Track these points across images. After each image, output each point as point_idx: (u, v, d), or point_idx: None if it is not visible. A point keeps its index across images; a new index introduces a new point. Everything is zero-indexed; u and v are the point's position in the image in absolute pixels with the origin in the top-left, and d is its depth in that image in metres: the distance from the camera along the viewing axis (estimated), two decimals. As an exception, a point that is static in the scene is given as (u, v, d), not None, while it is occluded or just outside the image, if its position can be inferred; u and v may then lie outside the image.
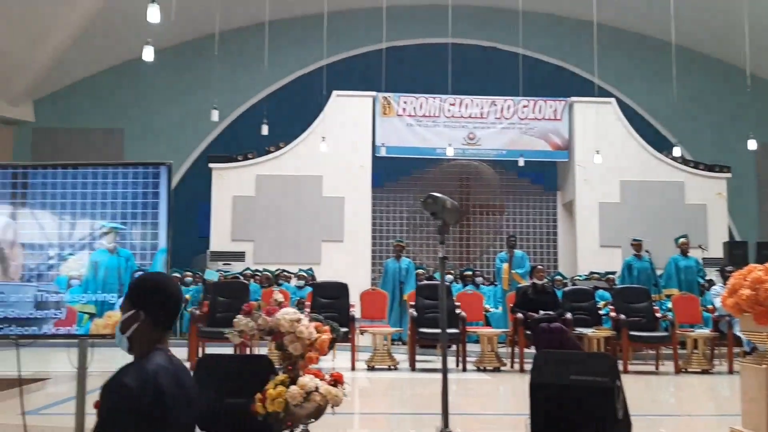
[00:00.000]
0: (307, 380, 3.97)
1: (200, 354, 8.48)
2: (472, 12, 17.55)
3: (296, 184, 15.93)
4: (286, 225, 15.73)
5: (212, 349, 8.88)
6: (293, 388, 3.94)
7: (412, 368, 8.06)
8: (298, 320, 4.28)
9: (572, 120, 16.58)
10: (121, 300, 3.74)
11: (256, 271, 13.68)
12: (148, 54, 10.45)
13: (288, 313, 4.32)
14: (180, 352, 9.62)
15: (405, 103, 16.22)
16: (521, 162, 15.90)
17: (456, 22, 16.01)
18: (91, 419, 3.98)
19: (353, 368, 7.92)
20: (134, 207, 3.76)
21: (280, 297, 4.94)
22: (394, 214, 17.53)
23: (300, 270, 13.08)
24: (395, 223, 17.44)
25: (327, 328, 4.44)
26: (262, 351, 8.18)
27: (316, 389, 3.96)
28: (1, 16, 14.76)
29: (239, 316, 4.69)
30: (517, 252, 10.37)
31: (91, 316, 3.71)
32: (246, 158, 16.43)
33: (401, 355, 8.78)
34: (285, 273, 13.50)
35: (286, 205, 15.82)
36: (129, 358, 2.24)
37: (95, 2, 15.00)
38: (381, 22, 15.50)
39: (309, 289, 11.79)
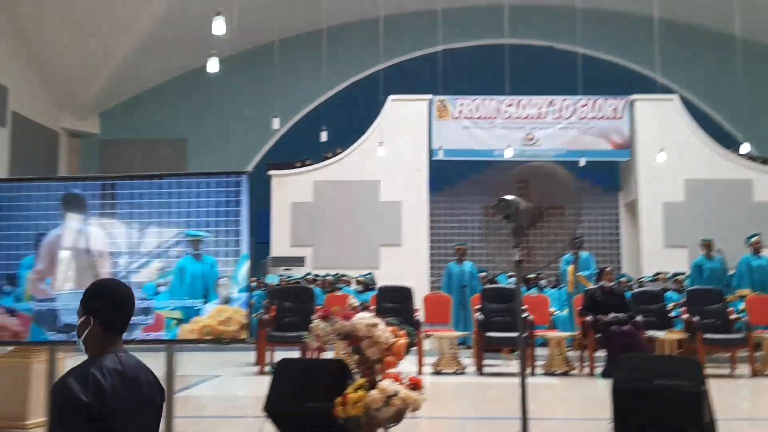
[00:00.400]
0: (386, 384, 3.98)
1: (268, 358, 8.62)
2: (528, 12, 17.36)
3: (353, 189, 16.03)
4: (345, 230, 15.84)
5: (280, 354, 9.02)
6: (373, 392, 3.96)
7: (480, 372, 8.00)
8: (375, 324, 4.30)
9: (633, 118, 16.23)
10: (206, 306, 3.85)
11: (317, 275, 13.83)
12: (213, 65, 10.68)
13: (364, 317, 4.35)
14: (248, 357, 9.81)
15: (461, 105, 16.15)
16: (582, 162, 15.63)
17: (512, 23, 15.87)
18: (179, 423, 4.10)
19: (420, 373, 7.91)
20: (217, 215, 3.85)
21: (355, 302, 4.99)
22: (452, 218, 17.46)
23: (360, 275, 13.15)
24: (453, 227, 17.37)
25: (403, 332, 4.46)
26: (328, 355, 8.27)
27: (396, 393, 3.97)
28: (66, 32, 15.33)
29: (316, 321, 4.74)
30: (583, 254, 10.18)
31: (178, 321, 3.81)
32: (304, 165, 16.64)
33: (466, 360, 8.74)
34: (345, 277, 13.60)
35: (344, 210, 15.93)
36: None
37: (156, 15, 15.41)
38: (436, 25, 15.49)
39: (370, 294, 11.86)
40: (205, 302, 3.81)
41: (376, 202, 15.98)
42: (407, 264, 15.27)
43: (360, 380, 4.14)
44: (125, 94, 18.15)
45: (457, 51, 17.26)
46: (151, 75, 17.97)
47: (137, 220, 3.85)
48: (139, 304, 3.80)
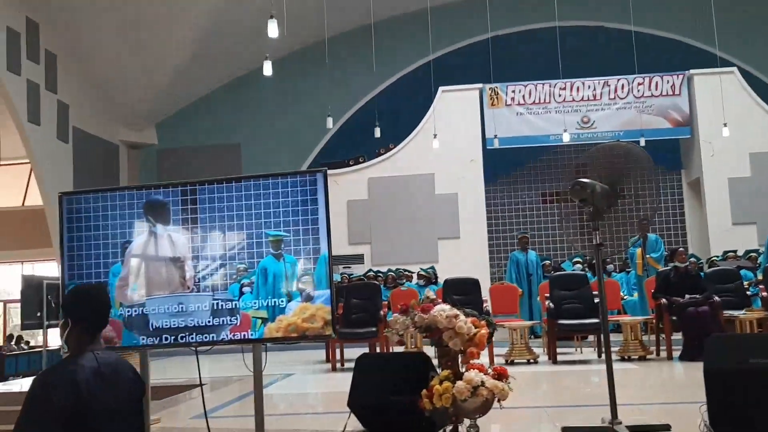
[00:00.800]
0: (472, 375, 3.96)
1: (338, 355, 8.69)
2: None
3: (408, 183, 16.01)
4: (401, 225, 15.84)
5: (348, 350, 9.08)
6: (459, 383, 3.94)
7: (554, 361, 7.89)
8: (456, 316, 4.28)
9: (692, 94, 15.77)
10: (290, 304, 3.90)
11: (378, 272, 13.87)
12: (267, 68, 10.80)
13: (444, 309, 4.33)
14: (316, 355, 9.91)
15: (513, 92, 15.95)
16: (642, 142, 15.25)
17: (560, 4, 15.59)
18: (269, 420, 4.16)
19: (491, 363, 7.84)
20: (294, 215, 3.88)
21: (432, 294, 4.97)
22: (509, 207, 17.29)
23: (421, 269, 13.13)
24: (512, 216, 17.20)
25: (483, 322, 4.42)
26: (397, 349, 8.29)
27: (483, 384, 3.95)
28: (120, 48, 15.74)
29: (395, 315, 4.74)
30: (651, 236, 9.94)
31: (264, 320, 3.86)
32: (357, 162, 16.71)
33: (536, 348, 8.64)
34: (406, 272, 13.60)
35: (400, 205, 15.93)
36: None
37: (205, 26, 15.69)
38: (484, 13, 15.33)
39: (432, 287, 11.83)
40: (289, 301, 3.85)
41: (431, 195, 15.93)
42: (466, 256, 15.18)
43: (444, 372, 4.13)
44: (179, 104, 18.56)
45: (506, 37, 17.07)
46: (203, 84, 18.32)
47: (218, 223, 3.92)
48: (225, 305, 3.89)
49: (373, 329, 8.31)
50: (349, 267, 15.53)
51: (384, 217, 15.94)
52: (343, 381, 7.46)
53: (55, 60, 15.40)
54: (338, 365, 8.55)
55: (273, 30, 8.80)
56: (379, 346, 8.46)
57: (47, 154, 14.96)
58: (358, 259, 15.77)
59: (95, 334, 2.66)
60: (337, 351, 8.68)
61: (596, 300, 8.06)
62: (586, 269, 11.72)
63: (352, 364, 8.52)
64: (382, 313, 8.53)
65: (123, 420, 2.63)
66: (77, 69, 16.19)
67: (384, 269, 14.07)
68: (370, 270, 14.33)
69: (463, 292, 8.60)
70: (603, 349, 7.88)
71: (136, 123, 18.22)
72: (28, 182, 18.33)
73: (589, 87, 15.87)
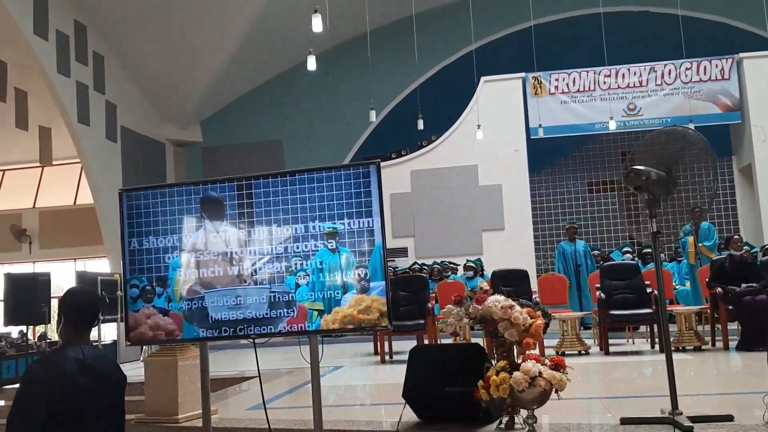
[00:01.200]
0: (530, 366, 3.93)
1: (387, 348, 8.72)
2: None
3: (451, 175, 15.94)
4: (445, 217, 15.80)
5: (396, 343, 9.11)
6: (517, 374, 3.92)
7: (606, 352, 7.78)
8: (511, 307, 4.25)
9: (742, 78, 15.35)
10: (346, 296, 3.92)
11: (423, 264, 13.86)
12: (311, 64, 10.87)
13: (499, 300, 4.31)
14: (363, 347, 9.96)
15: (557, 80, 15.75)
16: (691, 128, 14.90)
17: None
18: (327, 411, 4.20)
19: (542, 354, 7.78)
20: (348, 207, 3.90)
21: (485, 285, 4.95)
22: (554, 197, 17.10)
23: (468, 260, 13.07)
24: (557, 206, 17.01)
25: (539, 313, 4.38)
26: (446, 341, 8.27)
27: (540, 374, 3.92)
28: (165, 49, 16.01)
29: (449, 306, 4.74)
30: (704, 224, 9.71)
31: (320, 312, 3.89)
32: (399, 155, 16.71)
33: (588, 340, 8.53)
34: (451, 265, 13.57)
35: (443, 197, 15.88)
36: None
37: (246, 25, 15.86)
38: (526, 1, 15.15)
39: (479, 279, 11.78)
40: (344, 293, 3.88)
41: (475, 186, 15.84)
42: (511, 247, 15.08)
43: (500, 362, 4.11)
44: (223, 102, 18.81)
45: (549, 25, 16.83)
46: (245, 82, 18.53)
47: (273, 217, 3.96)
48: (281, 297, 3.93)
49: (422, 321, 8.32)
50: (393, 260, 15.56)
51: (427, 210, 15.92)
52: (393, 373, 7.51)
53: (102, 61, 15.75)
54: (386, 357, 8.57)
55: (317, 25, 8.84)
56: (427, 338, 8.46)
57: (97, 154, 15.33)
58: (402, 252, 15.79)
59: (83, 331, 3.02)
60: (386, 343, 8.70)
61: (649, 290, 7.94)
62: (636, 259, 11.53)
63: (400, 357, 8.61)
64: (429, 305, 8.52)
65: (105, 410, 2.91)
66: (124, 69, 16.53)
67: (428, 262, 14.06)
68: (414, 263, 14.34)
69: (511, 283, 8.53)
70: (657, 340, 7.78)
71: (181, 121, 18.54)
72: (79, 181, 18.81)
73: (635, 73, 15.58)
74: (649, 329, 8.26)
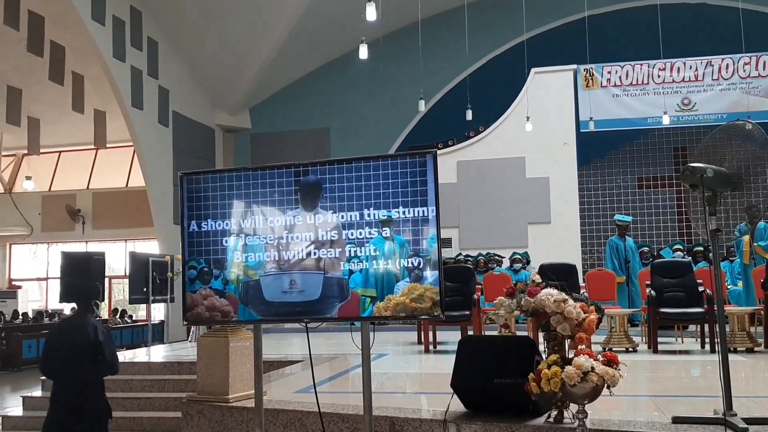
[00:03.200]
0: (582, 360, 3.90)
1: (431, 338, 8.74)
2: (677, -32, 16.30)
3: (498, 167, 15.81)
4: (490, 209, 15.69)
5: (440, 333, 9.13)
6: (569, 368, 3.89)
7: (654, 350, 7.67)
8: (564, 300, 4.23)
9: (804, 73, 14.85)
10: (399, 284, 3.95)
11: (467, 256, 13.82)
12: (363, 52, 10.90)
13: (552, 293, 4.28)
14: (406, 336, 9.99)
15: (609, 73, 15.45)
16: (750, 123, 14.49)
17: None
18: (373, 398, 4.25)
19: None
20: (404, 195, 3.91)
21: (537, 278, 4.93)
22: (603, 191, 16.83)
23: (515, 253, 12.98)
24: (605, 200, 16.75)
25: (592, 308, 4.35)
26: (490, 332, 8.25)
27: (593, 369, 3.89)
28: (216, 36, 16.23)
29: (501, 298, 4.74)
30: (760, 223, 9.43)
31: (373, 300, 3.93)
32: (446, 145, 16.64)
33: (635, 337, 8.41)
34: (496, 257, 13.50)
35: (489, 189, 15.77)
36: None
37: (298, 12, 15.95)
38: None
39: (526, 273, 11.70)
40: (398, 281, 3.90)
41: (522, 179, 15.69)
42: (557, 241, 14.90)
43: (552, 356, 4.09)
44: (272, 89, 18.99)
45: (603, 17, 16.52)
46: (295, 69, 18.68)
47: (329, 203, 4.00)
48: (335, 283, 3.98)
49: (467, 312, 8.30)
50: (439, 250, 15.51)
51: (473, 201, 15.83)
52: (438, 362, 7.53)
53: (156, 47, 16.05)
54: (431, 347, 8.59)
55: (371, 14, 8.86)
56: (472, 329, 8.45)
57: (149, 138, 15.66)
58: (446, 242, 15.75)
59: (84, 307, 4.80)
60: (430, 333, 8.72)
61: (701, 288, 7.79)
62: (686, 256, 11.30)
63: (444, 347, 8.61)
64: (475, 296, 8.50)
65: (73, 364, 4.47)
66: (177, 55, 16.82)
67: (473, 253, 14.00)
68: (459, 254, 14.29)
69: (559, 278, 8.41)
70: (708, 340, 7.63)
71: (231, 107, 18.80)
72: (131, 164, 19.26)
73: (690, 67, 15.18)
74: (699, 328, 8.10)
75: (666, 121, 14.68)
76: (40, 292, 20.65)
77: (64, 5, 13.24)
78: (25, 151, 18.52)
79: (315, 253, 4.01)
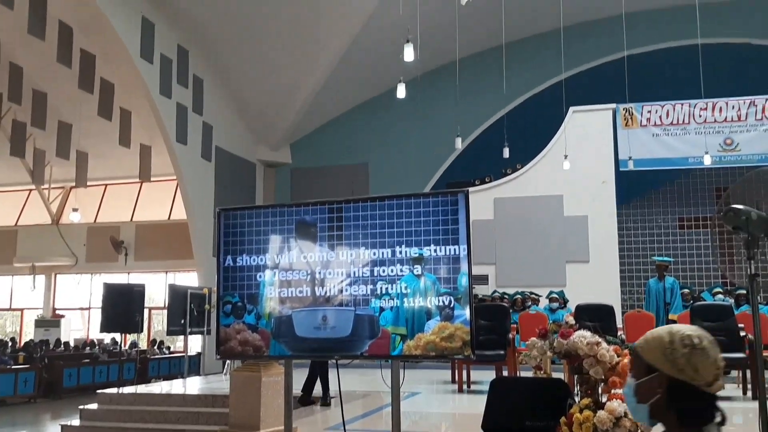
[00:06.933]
0: (615, 405, 3.85)
1: (465, 377, 8.65)
2: (718, 8, 16.20)
3: (536, 204, 15.73)
4: (527, 247, 15.57)
5: (474, 373, 9.02)
6: (601, 413, 3.84)
7: (694, 395, 7.44)
8: (598, 343, 4.18)
9: None
10: (429, 322, 3.95)
11: (504, 293, 13.69)
12: (401, 91, 11.06)
13: (585, 336, 4.24)
14: (440, 375, 9.90)
15: (649, 112, 15.34)
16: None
17: (704, 21, 14.86)
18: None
19: (626, 393, 7.53)
20: (435, 234, 3.95)
21: (571, 320, 4.88)
22: (643, 231, 16.59)
23: (552, 292, 12.83)
24: (645, 240, 16.49)
25: (626, 351, 4.29)
26: (525, 374, 8.12)
27: (626, 415, 3.83)
28: (260, 72, 16.64)
29: (533, 339, 4.70)
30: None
31: (403, 337, 3.94)
32: (483, 182, 16.64)
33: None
34: (533, 295, 13.34)
35: (527, 226, 15.67)
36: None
37: (339, 51, 16.29)
38: (618, 31, 14.89)
39: (563, 312, 11.54)
40: (428, 319, 3.91)
41: (560, 217, 15.56)
42: (596, 281, 14.66)
43: (584, 400, 4.04)
44: (313, 125, 19.32)
45: (643, 56, 16.48)
46: (335, 106, 19.00)
47: (361, 240, 4.05)
48: (366, 320, 4.00)
49: (502, 352, 8.21)
50: (474, 287, 15.41)
51: (510, 238, 15.74)
52: (471, 402, 7.46)
53: (201, 84, 16.51)
54: (464, 386, 8.50)
55: (409, 54, 9.01)
56: (507, 369, 8.35)
57: (192, 172, 16.01)
58: (483, 279, 15.64)
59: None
60: (464, 372, 8.64)
61: (742, 333, 7.58)
62: (726, 299, 11.01)
63: (477, 387, 8.52)
64: (510, 336, 8.41)
65: None
66: (221, 92, 17.27)
67: (509, 290, 13.87)
68: (495, 291, 14.18)
69: (596, 318, 8.32)
70: (750, 386, 7.40)
71: (272, 143, 19.16)
72: (174, 197, 19.67)
73: (733, 107, 14.98)
74: (741, 374, 7.87)
75: (708, 161, 14.46)
76: (82, 321, 21.07)
77: (115, 44, 13.75)
78: (73, 184, 19.08)
79: (347, 290, 4.04)
